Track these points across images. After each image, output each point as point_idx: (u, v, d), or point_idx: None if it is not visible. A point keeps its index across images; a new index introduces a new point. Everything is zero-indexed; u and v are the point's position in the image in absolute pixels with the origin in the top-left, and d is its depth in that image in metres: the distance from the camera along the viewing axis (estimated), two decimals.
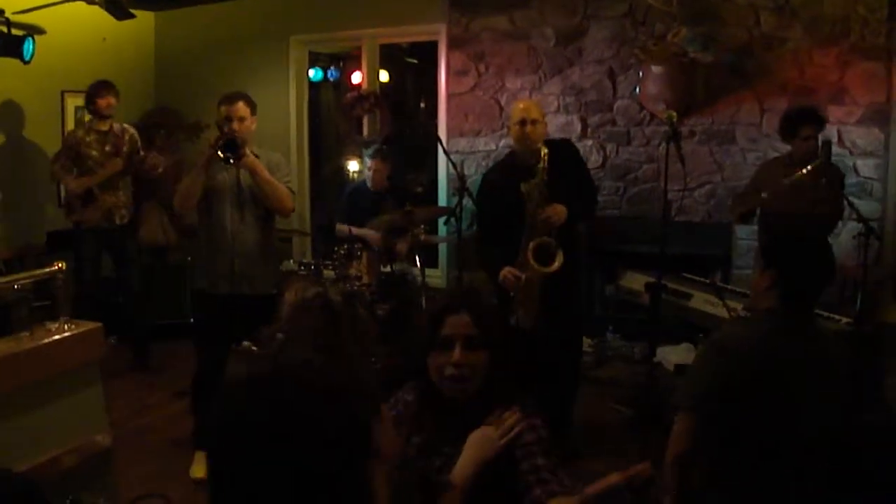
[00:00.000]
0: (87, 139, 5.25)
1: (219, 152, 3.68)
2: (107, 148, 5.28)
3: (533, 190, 3.80)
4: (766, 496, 2.22)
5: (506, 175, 4.05)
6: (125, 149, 5.33)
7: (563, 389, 4.06)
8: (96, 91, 5.23)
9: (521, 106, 4.11)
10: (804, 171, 4.01)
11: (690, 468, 2.25)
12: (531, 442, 1.87)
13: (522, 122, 3.93)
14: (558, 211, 3.79)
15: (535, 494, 1.78)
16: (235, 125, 3.78)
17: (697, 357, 2.34)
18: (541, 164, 3.79)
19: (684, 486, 2.26)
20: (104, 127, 5.29)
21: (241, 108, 3.84)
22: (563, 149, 4.14)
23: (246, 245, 3.90)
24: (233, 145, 3.69)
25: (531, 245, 3.79)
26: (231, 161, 3.69)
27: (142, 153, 5.40)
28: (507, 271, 3.84)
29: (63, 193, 5.97)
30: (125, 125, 5.47)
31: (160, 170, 5.41)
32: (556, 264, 3.75)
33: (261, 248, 3.97)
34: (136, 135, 5.47)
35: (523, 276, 3.80)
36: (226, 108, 3.84)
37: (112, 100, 5.26)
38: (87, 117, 5.42)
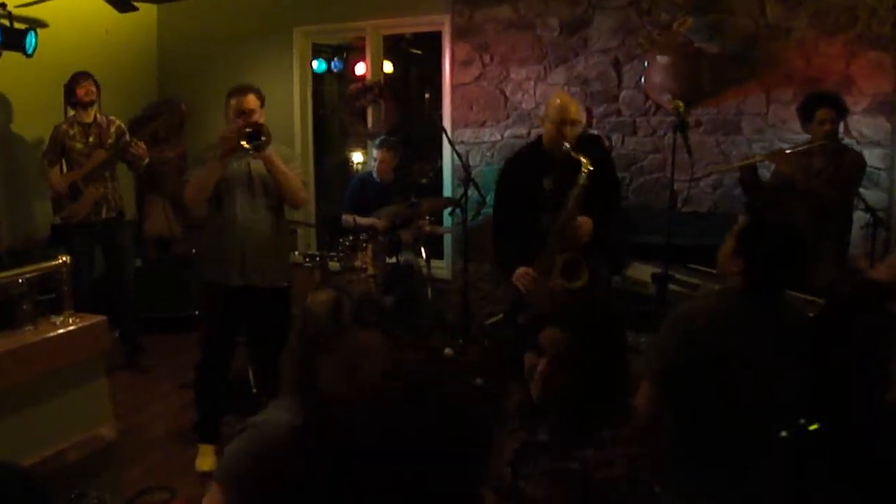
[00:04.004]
0: (71, 132, 5.16)
1: (243, 142, 3.68)
2: (90, 139, 5.18)
3: (571, 198, 3.65)
4: (730, 465, 2.26)
5: (530, 164, 3.94)
6: (110, 140, 5.22)
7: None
8: (73, 81, 5.15)
9: (559, 103, 3.82)
10: (806, 145, 4.21)
11: (656, 433, 2.30)
12: None
13: (562, 122, 3.74)
14: (586, 228, 3.72)
15: None
16: (247, 117, 3.78)
17: (662, 328, 2.38)
18: (583, 175, 3.61)
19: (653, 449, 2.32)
20: (87, 118, 5.19)
21: (252, 100, 3.84)
22: (593, 146, 3.97)
23: (258, 236, 3.88)
24: (257, 136, 3.71)
25: (561, 260, 3.71)
26: (258, 150, 3.70)
27: (127, 138, 5.22)
28: (522, 273, 3.80)
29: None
30: (112, 117, 5.36)
31: (146, 160, 5.24)
32: (581, 283, 3.67)
33: (273, 239, 3.97)
34: (123, 126, 5.35)
35: (536, 275, 3.76)
36: (237, 99, 3.83)
37: (90, 87, 5.15)
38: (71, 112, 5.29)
